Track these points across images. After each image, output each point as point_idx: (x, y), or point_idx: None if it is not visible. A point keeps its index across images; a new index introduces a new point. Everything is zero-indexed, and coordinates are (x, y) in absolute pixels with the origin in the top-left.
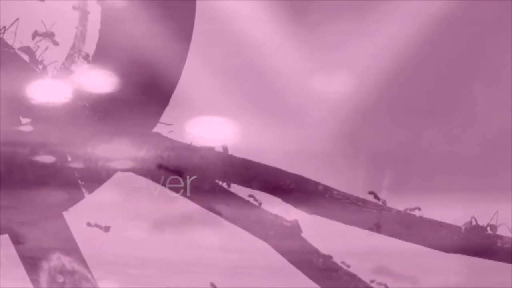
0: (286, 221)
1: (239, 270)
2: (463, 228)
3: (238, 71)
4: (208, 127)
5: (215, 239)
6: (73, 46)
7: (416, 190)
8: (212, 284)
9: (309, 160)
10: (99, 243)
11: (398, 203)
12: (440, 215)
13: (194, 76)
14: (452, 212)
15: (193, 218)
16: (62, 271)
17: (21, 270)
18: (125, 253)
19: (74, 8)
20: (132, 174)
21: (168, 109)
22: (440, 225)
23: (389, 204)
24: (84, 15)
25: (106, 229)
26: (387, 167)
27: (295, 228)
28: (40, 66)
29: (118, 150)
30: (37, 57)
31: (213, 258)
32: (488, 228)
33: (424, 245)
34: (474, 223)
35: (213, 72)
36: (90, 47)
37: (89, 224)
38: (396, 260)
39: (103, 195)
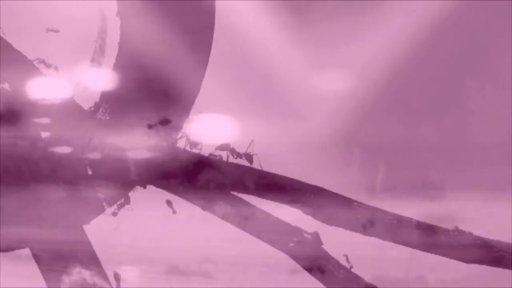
0: (307, 233)
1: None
2: None
3: (238, 69)
4: (208, 124)
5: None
6: (93, 59)
7: (413, 188)
8: None
9: (308, 157)
10: (109, 237)
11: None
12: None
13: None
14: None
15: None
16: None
17: (21, 270)
18: (134, 246)
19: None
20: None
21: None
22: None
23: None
24: (103, 28)
25: None
26: (385, 164)
27: (316, 240)
28: (49, 65)
29: (124, 145)
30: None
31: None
32: (244, 157)
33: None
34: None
35: (213, 70)
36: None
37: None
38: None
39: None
